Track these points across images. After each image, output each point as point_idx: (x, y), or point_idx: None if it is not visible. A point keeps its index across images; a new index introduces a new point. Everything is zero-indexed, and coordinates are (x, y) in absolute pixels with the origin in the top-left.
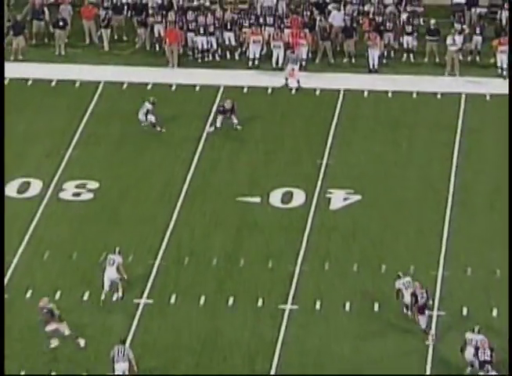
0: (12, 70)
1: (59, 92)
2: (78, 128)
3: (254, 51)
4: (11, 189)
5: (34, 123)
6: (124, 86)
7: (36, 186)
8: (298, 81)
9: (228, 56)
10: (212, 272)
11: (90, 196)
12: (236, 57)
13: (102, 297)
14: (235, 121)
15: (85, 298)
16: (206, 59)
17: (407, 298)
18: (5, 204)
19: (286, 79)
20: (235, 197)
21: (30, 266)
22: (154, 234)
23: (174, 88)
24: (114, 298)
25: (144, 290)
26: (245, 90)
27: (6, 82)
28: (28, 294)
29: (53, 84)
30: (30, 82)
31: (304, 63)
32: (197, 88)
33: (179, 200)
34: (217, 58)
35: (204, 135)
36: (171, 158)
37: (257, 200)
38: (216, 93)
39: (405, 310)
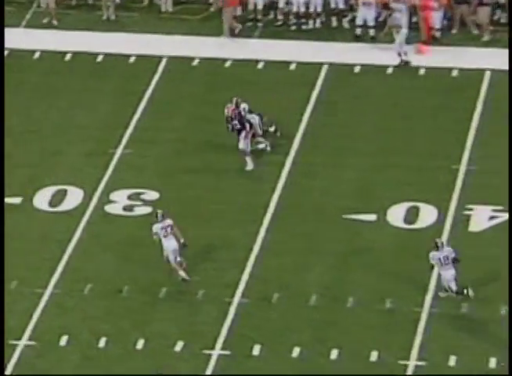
0: (45, 39)
1: (106, 71)
2: (131, 120)
3: (363, 16)
4: (41, 200)
5: (72, 112)
6: (195, 62)
7: (75, 196)
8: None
9: (334, 22)
10: (309, 315)
11: (147, 210)
12: (346, 25)
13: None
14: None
15: (139, 346)
16: (304, 27)
17: None
18: (33, 220)
19: (401, 54)
20: (340, 214)
21: (66, 304)
22: (232, 264)
23: (261, 66)
24: (184, 276)
25: (217, 337)
26: (356, 69)
27: (37, 56)
28: (63, 342)
29: (99, 59)
30: (67, 57)
31: (438, 34)
32: (292, 67)
33: (265, 219)
34: (318, 25)
35: (300, 133)
36: (254, 163)
37: (371, 217)
38: (317, 73)
39: None
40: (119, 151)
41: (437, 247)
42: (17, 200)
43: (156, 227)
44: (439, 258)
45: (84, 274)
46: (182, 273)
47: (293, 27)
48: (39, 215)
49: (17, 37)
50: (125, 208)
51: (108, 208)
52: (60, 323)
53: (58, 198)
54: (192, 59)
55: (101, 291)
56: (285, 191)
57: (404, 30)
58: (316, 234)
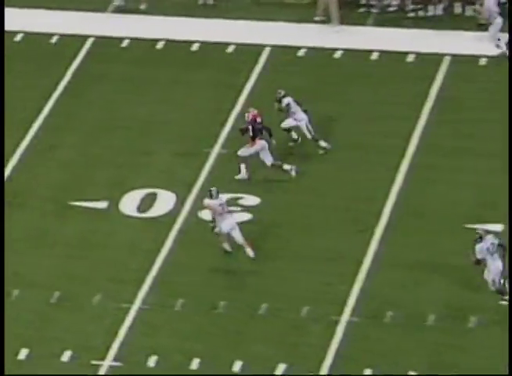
0: (133, 26)
1: (201, 61)
2: (229, 116)
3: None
4: (128, 205)
5: (162, 107)
6: (301, 53)
7: (165, 200)
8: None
9: (457, 9)
10: (426, 336)
11: (246, 217)
12: (470, 12)
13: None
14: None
15: (235, 368)
16: (423, 13)
17: None
18: (120, 227)
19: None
20: (461, 223)
21: (155, 321)
22: (340, 278)
23: (374, 56)
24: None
25: (323, 360)
26: (482, 62)
27: (124, 44)
28: (151, 363)
29: (194, 48)
30: (159, 45)
31: None
32: (410, 58)
33: (377, 229)
34: (439, 11)
35: (417, 132)
36: (366, 165)
37: (497, 227)
38: (438, 65)
39: None
40: (215, 151)
41: (480, 239)
42: (102, 204)
43: (214, 204)
44: (487, 248)
45: (175, 288)
46: (250, 250)
47: (411, 14)
48: (126, 221)
49: (103, 24)
50: None
51: (202, 215)
52: (148, 342)
53: (147, 203)
54: (298, 48)
55: (194, 306)
56: (399, 197)
57: (498, 20)
58: (435, 245)
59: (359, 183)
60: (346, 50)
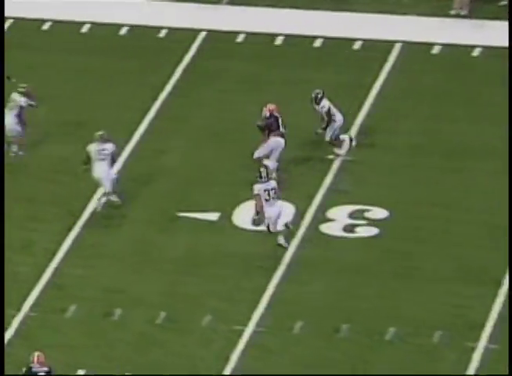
0: (251, 19)
1: (325, 58)
2: (356, 119)
3: None
4: (241, 217)
5: (278, 108)
6: (435, 50)
7: (284, 212)
8: None
9: None
10: None
11: (372, 231)
12: None
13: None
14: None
15: None
16: None
17: None
18: (232, 241)
19: None
20: None
21: (271, 345)
22: (478, 300)
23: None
24: (283, 242)
25: None
26: None
27: (240, 39)
28: None
29: (317, 44)
30: (278, 41)
31: None
32: None
33: None
34: None
35: None
36: (504, 175)
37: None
38: None
39: None
40: (339, 158)
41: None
42: (213, 215)
43: (258, 188)
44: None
45: (293, 309)
46: (282, 239)
47: None
48: (239, 234)
49: (216, 17)
50: (345, 229)
51: (324, 228)
52: (263, 368)
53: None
54: (432, 45)
55: (314, 329)
56: None
57: None
58: None
59: (501, 194)
60: (485, 47)
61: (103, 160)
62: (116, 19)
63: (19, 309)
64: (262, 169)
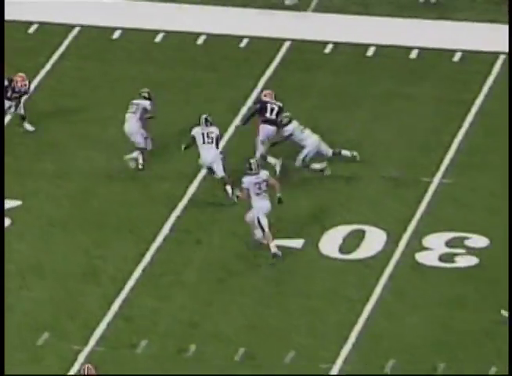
0: (340, 28)
1: (422, 71)
2: (454, 138)
3: None
4: (328, 244)
5: (372, 125)
6: None
7: (375, 239)
8: None
9: None
10: None
11: (472, 261)
12: None
13: None
14: None
15: None
16: None
17: None
18: (318, 270)
19: None
20: None
21: None
22: None
23: None
24: (276, 250)
25: None
26: None
27: (329, 50)
28: None
29: (412, 55)
30: (369, 52)
31: None
32: None
33: None
34: None
35: None
36: None
37: None
38: None
39: None
40: (436, 180)
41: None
42: (298, 242)
43: (248, 181)
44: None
45: (385, 345)
46: (274, 247)
47: None
48: (326, 263)
49: (302, 25)
50: (442, 258)
51: (420, 257)
52: None
53: (352, 242)
54: None
55: (407, 368)
56: None
57: None
58: None
59: None
60: None
61: (210, 143)
62: (192, 27)
63: (85, 344)
64: (252, 161)
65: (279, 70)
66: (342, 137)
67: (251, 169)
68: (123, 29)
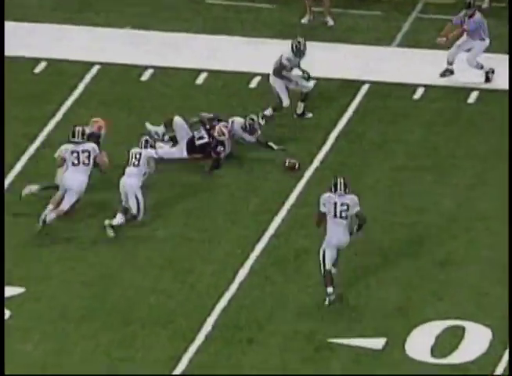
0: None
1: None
2: None
3: None
4: (417, 344)
5: None
6: None
7: (477, 338)
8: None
9: None
10: None
11: None
12: None
13: None
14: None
15: None
16: None
17: None
18: (397, 373)
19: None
20: None
21: None
22: None
23: None
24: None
25: None
26: None
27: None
28: None
29: (471, 101)
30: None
31: None
32: None
33: None
34: None
35: None
36: None
37: None
38: None
39: None
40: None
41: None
42: (378, 342)
43: (64, 149)
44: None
45: None
46: (53, 215)
47: None
48: (414, 368)
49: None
50: None
51: None
52: None
53: (447, 341)
54: None
55: None
56: None
57: None
58: None
59: None
60: None
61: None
62: (243, 67)
63: None
64: (78, 127)
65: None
66: (434, 207)
67: (74, 136)
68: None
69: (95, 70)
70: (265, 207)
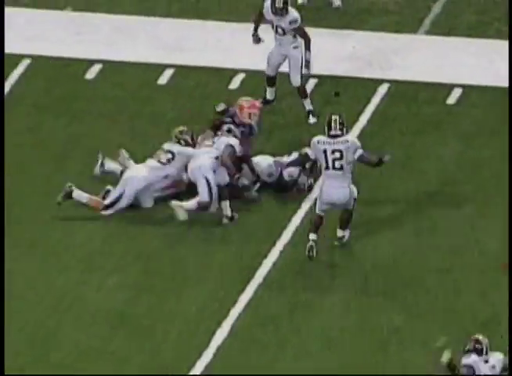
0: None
1: None
2: None
3: None
4: None
5: None
6: None
7: None
8: None
9: None
10: None
11: None
12: None
13: None
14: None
15: None
16: None
17: None
18: None
19: None
20: None
21: None
22: None
23: None
24: None
25: None
26: None
27: None
28: None
29: None
30: None
31: None
32: None
33: None
34: None
35: None
36: None
37: None
38: None
39: None
40: None
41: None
42: None
43: None
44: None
45: None
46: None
47: None
48: None
49: None
50: None
51: None
52: None
53: None
54: None
55: None
56: None
57: None
58: None
59: None
60: None
61: None
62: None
63: None
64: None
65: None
66: (475, 246)
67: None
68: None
69: (24, 64)
70: (251, 248)
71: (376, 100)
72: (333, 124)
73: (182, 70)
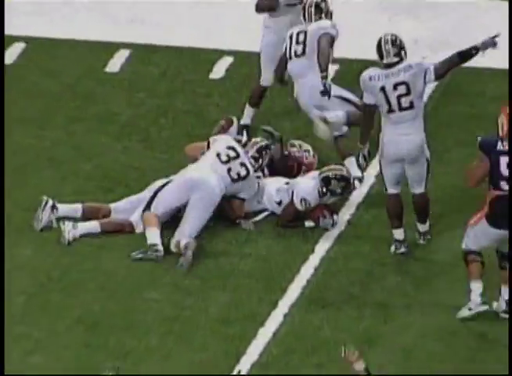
0: None
1: None
2: None
3: None
4: None
5: None
6: None
7: None
8: None
9: None
10: None
11: None
12: None
13: None
14: None
15: None
16: None
17: None
18: None
19: None
20: None
21: None
22: None
23: None
24: None
25: None
26: None
27: None
28: None
29: None
30: None
31: None
32: None
33: None
34: None
35: None
36: None
37: None
38: None
39: None
40: None
41: None
42: None
43: None
44: None
45: None
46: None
47: None
48: None
49: None
50: None
51: None
52: None
53: None
54: None
55: None
56: None
57: None
58: None
59: None
60: None
61: None
62: None
63: None
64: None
65: None
66: None
67: None
68: None
69: None
70: (269, 282)
71: None
72: (384, 47)
73: (142, 54)
